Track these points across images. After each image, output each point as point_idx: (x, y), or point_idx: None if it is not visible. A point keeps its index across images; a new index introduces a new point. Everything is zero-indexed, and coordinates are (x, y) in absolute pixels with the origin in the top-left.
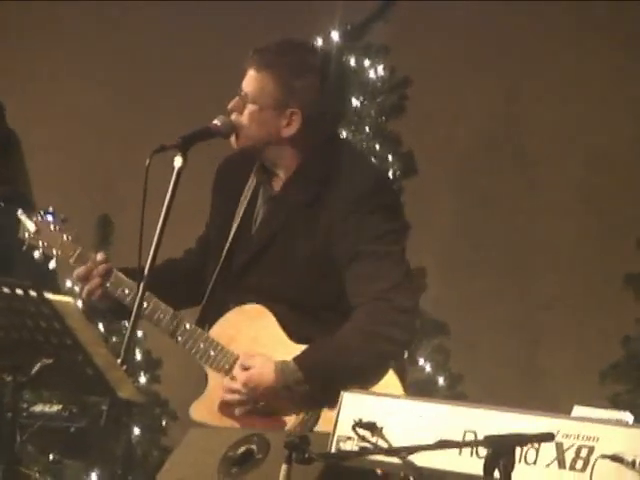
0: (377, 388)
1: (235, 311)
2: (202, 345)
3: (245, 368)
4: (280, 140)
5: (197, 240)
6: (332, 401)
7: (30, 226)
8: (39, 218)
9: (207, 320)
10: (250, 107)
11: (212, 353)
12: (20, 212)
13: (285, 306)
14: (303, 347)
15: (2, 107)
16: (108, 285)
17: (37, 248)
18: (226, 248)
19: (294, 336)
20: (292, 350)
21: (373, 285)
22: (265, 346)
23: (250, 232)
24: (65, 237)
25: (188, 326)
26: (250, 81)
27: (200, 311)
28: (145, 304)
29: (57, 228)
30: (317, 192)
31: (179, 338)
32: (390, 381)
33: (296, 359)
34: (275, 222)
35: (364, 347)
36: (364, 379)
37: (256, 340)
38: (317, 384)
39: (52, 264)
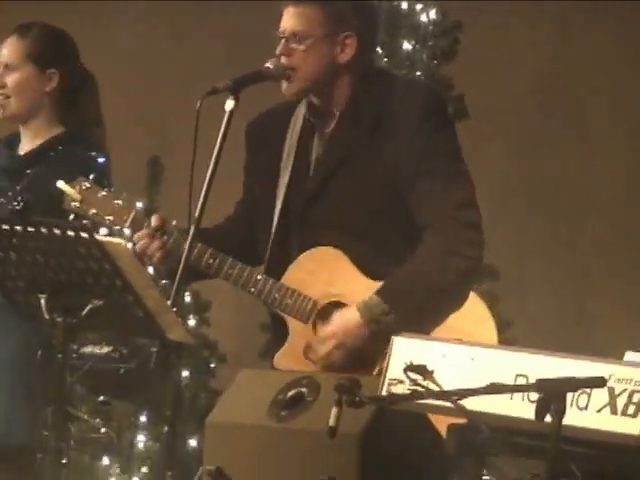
0: (471, 330)
1: (305, 255)
2: (277, 295)
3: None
4: (337, 69)
5: (237, 205)
6: (422, 331)
7: (75, 196)
8: (83, 186)
9: (275, 270)
10: (302, 44)
11: (289, 301)
12: (60, 183)
13: (356, 241)
14: (378, 283)
15: (72, 51)
16: (169, 246)
17: (86, 217)
18: (282, 196)
19: (370, 273)
20: (370, 287)
21: (444, 203)
22: (342, 286)
23: (308, 174)
24: (116, 202)
25: (260, 277)
26: (294, 18)
27: (266, 262)
28: (212, 260)
29: (105, 193)
30: (375, 117)
31: (252, 289)
32: (485, 328)
33: (377, 292)
34: (335, 156)
35: (442, 267)
36: (447, 300)
37: (331, 281)
38: (404, 311)
39: (103, 231)
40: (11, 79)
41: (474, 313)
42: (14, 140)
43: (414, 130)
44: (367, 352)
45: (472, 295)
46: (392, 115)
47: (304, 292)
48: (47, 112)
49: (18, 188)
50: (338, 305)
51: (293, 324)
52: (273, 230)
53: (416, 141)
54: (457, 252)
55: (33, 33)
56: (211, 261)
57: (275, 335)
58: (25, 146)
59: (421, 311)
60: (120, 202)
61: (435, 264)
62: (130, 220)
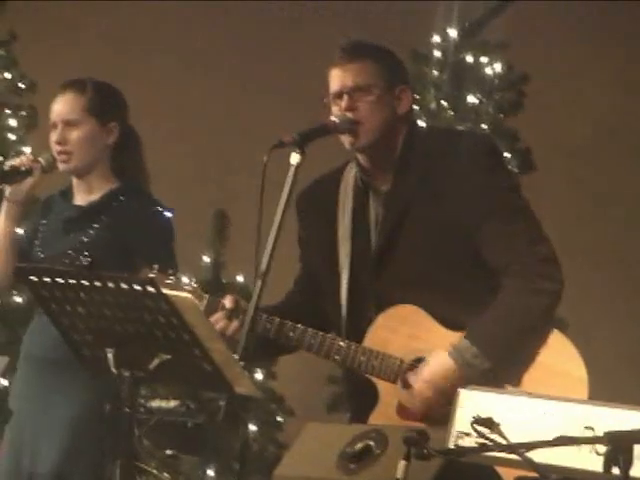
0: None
1: (383, 316)
2: (362, 358)
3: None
4: (396, 121)
5: (296, 280)
6: (514, 376)
7: None
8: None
9: (354, 335)
10: (368, 97)
11: (375, 363)
12: None
13: (430, 293)
14: (461, 333)
15: (125, 105)
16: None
17: None
18: (348, 262)
19: (449, 324)
20: (452, 338)
21: (515, 242)
22: (425, 341)
23: (369, 236)
24: (185, 287)
25: (342, 343)
26: (354, 73)
27: (344, 329)
28: (292, 333)
29: (171, 281)
30: (430, 169)
31: (336, 357)
32: (574, 362)
33: (466, 335)
34: (397, 213)
35: (525, 306)
36: (534, 339)
37: (414, 337)
38: (494, 353)
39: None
40: (74, 135)
41: (561, 348)
42: (67, 193)
43: (470, 176)
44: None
45: (555, 331)
46: (446, 165)
47: (387, 351)
48: (104, 165)
49: (84, 240)
50: (424, 360)
51: (381, 384)
52: (344, 298)
53: (474, 186)
54: (538, 290)
55: (89, 88)
56: (291, 334)
57: (355, 394)
58: (80, 199)
59: (510, 352)
60: (188, 287)
61: (518, 305)
62: (204, 306)
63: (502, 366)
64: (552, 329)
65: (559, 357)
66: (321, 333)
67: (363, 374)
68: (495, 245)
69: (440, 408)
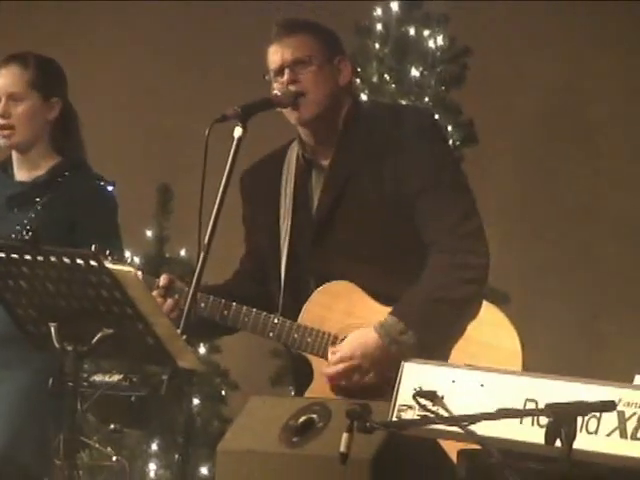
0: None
1: (319, 292)
2: (296, 335)
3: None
4: (339, 92)
5: (242, 259)
6: (443, 349)
7: None
8: None
9: (291, 312)
10: (309, 68)
11: (309, 340)
12: None
13: (369, 268)
14: None
15: (66, 81)
16: (182, 304)
17: None
18: (287, 237)
19: (384, 299)
20: (387, 314)
21: (445, 217)
22: (360, 317)
23: (311, 211)
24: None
25: (276, 320)
26: (293, 47)
27: (281, 305)
28: (226, 311)
29: (109, 259)
30: (370, 143)
31: (270, 334)
32: (506, 333)
33: (392, 312)
34: (337, 187)
35: (448, 279)
36: (461, 311)
37: (350, 314)
38: (421, 328)
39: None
40: (18, 109)
41: (493, 321)
42: (7, 168)
43: (410, 151)
44: (384, 378)
45: (486, 304)
46: (387, 140)
47: (322, 328)
48: (46, 140)
49: (32, 216)
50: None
51: (316, 362)
52: (283, 272)
53: (414, 161)
54: (460, 263)
55: (33, 63)
56: (225, 312)
57: (296, 370)
58: (22, 174)
59: (437, 326)
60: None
61: (441, 278)
62: None
63: (430, 340)
64: (482, 302)
65: (492, 330)
66: (255, 310)
67: (297, 351)
68: (427, 220)
69: (355, 386)
